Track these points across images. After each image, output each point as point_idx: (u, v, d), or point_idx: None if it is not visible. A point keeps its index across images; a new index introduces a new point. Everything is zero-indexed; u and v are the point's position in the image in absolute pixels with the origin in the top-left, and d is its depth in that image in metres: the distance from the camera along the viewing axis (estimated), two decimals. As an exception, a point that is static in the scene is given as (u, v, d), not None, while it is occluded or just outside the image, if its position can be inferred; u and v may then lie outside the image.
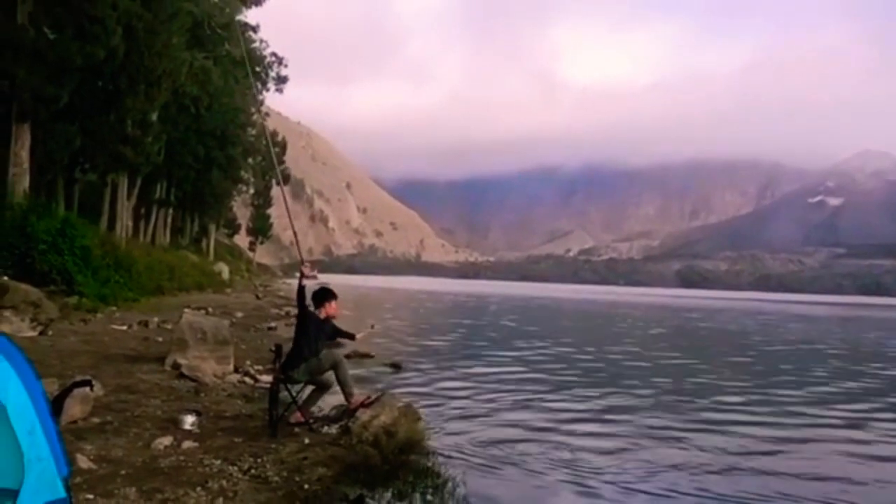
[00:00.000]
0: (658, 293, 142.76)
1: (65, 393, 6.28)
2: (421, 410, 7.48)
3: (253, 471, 5.21)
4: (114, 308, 17.80)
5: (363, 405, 6.77)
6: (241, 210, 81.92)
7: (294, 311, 8.54)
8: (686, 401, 10.94)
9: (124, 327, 14.19)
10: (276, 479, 5.09)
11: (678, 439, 8.02)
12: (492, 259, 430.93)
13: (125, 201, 29.39)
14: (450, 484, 5.58)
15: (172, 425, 6.36)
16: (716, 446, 7.73)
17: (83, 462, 4.94)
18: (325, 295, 7.17)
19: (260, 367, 10.46)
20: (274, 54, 45.84)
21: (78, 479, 4.48)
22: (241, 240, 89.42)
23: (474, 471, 6.23)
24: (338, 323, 7.34)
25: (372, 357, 13.71)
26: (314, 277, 7.06)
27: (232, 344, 10.27)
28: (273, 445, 5.97)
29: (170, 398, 7.70)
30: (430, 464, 6.08)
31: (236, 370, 9.91)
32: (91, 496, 4.35)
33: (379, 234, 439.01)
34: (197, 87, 32.64)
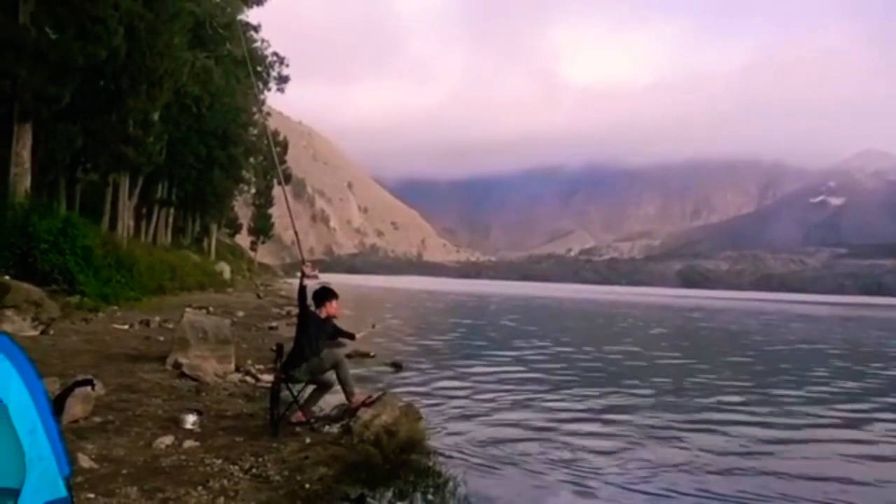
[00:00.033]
0: (659, 293, 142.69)
1: (66, 392, 6.29)
2: (422, 410, 7.49)
3: (254, 470, 5.22)
4: (115, 307, 17.81)
5: (364, 404, 6.78)
6: (243, 210, 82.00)
7: (295, 310, 8.54)
8: (686, 400, 10.94)
9: (126, 327, 14.21)
10: (277, 478, 5.10)
11: (678, 439, 8.02)
12: (493, 259, 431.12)
13: (127, 201, 29.41)
14: (451, 483, 5.59)
15: (174, 424, 6.37)
16: (716, 446, 7.74)
17: (84, 461, 4.95)
18: (325, 294, 7.17)
19: (261, 367, 10.46)
20: (275, 54, 45.92)
21: (79, 479, 4.49)
22: (243, 239, 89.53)
23: (475, 470, 6.24)
24: (339, 322, 7.34)
25: (373, 356, 13.73)
26: (315, 277, 7.07)
27: (233, 343, 10.28)
28: (274, 445, 5.98)
29: (171, 397, 7.71)
30: (430, 463, 6.08)
31: (237, 369, 9.91)
32: (92, 495, 4.36)
33: (380, 233, 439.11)
34: (198, 87, 32.65)
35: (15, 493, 3.04)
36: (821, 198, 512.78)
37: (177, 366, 9.23)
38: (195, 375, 8.83)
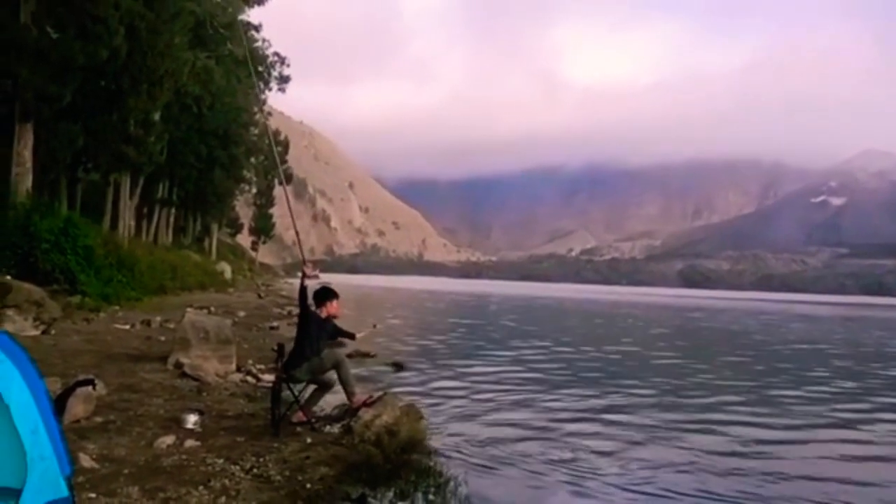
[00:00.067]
0: (660, 293, 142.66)
1: (68, 392, 6.30)
2: (422, 410, 7.50)
3: (255, 470, 5.22)
4: (116, 307, 17.83)
5: (365, 404, 6.78)
6: (244, 210, 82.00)
7: (296, 310, 8.55)
8: (687, 400, 10.94)
9: (127, 326, 14.22)
10: (278, 478, 5.10)
11: (679, 439, 8.02)
12: (494, 259, 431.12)
13: (128, 201, 29.43)
14: (452, 483, 5.59)
15: (175, 424, 6.38)
16: (716, 446, 7.74)
17: (86, 461, 4.96)
18: (326, 294, 7.18)
19: (262, 367, 10.47)
20: (276, 54, 45.98)
21: (81, 479, 4.50)
22: (244, 239, 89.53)
23: (476, 470, 6.24)
24: (339, 322, 7.35)
25: (374, 356, 13.73)
26: (316, 277, 7.07)
27: (234, 343, 10.29)
28: (275, 445, 5.98)
29: (172, 397, 7.72)
30: (431, 463, 6.09)
31: (238, 369, 9.92)
32: (94, 495, 4.36)
33: (381, 233, 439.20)
34: (199, 87, 32.68)
35: (17, 492, 3.04)
36: (822, 198, 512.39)
37: (178, 366, 9.23)
38: (196, 375, 8.84)
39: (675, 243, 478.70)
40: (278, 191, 75.49)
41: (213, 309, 19.92)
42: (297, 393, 6.81)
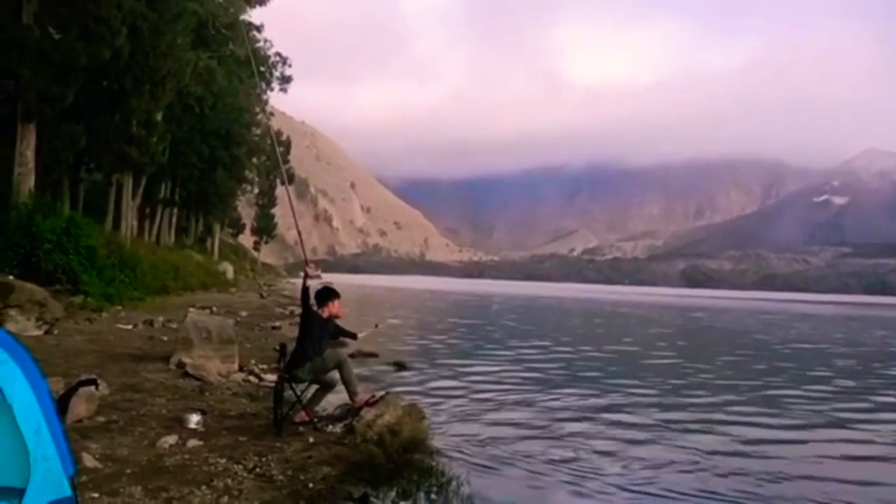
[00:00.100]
0: (662, 293, 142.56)
1: (70, 392, 6.31)
2: (424, 409, 7.50)
3: (258, 469, 5.23)
4: (119, 307, 17.86)
5: (367, 404, 6.79)
6: (246, 210, 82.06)
7: (298, 310, 8.57)
8: (688, 400, 10.93)
9: (129, 326, 14.24)
10: (280, 477, 5.11)
11: (680, 439, 8.01)
12: (496, 258, 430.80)
13: (130, 201, 29.46)
14: (454, 483, 5.60)
15: (177, 424, 6.39)
16: (718, 446, 7.73)
17: (89, 461, 4.97)
18: (327, 294, 7.19)
19: (264, 366, 10.49)
20: (278, 54, 46.13)
21: (84, 478, 4.51)
22: (246, 239, 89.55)
23: (477, 470, 6.24)
24: (341, 322, 7.35)
25: (376, 356, 13.73)
26: (318, 277, 7.09)
27: (236, 343, 10.30)
28: (278, 444, 5.99)
29: (175, 397, 7.73)
30: (433, 463, 6.09)
31: (241, 369, 9.93)
32: (97, 495, 4.37)
33: (383, 233, 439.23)
34: (201, 87, 32.74)
35: (20, 492, 3.05)
36: (824, 197, 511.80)
37: (180, 365, 9.25)
38: (199, 375, 8.85)
39: (678, 243, 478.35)
40: (280, 191, 75.62)
41: (215, 309, 19.96)
42: (299, 393, 6.82)
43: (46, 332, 11.73)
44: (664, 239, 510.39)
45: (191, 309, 12.93)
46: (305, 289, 6.88)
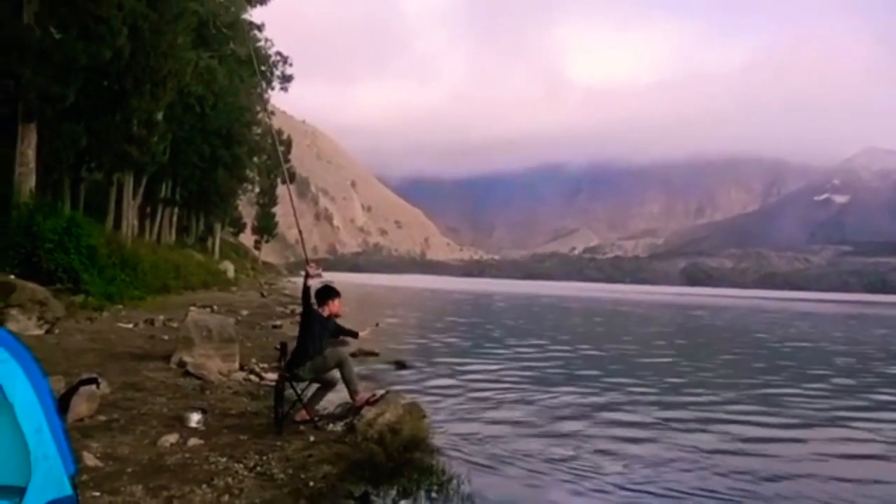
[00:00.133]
0: (663, 291, 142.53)
1: (71, 391, 6.32)
2: (425, 408, 7.51)
3: (258, 468, 5.24)
4: (120, 306, 17.87)
5: (368, 403, 6.80)
6: (247, 209, 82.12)
7: (298, 309, 8.58)
8: (688, 398, 10.93)
9: (130, 325, 14.25)
10: (281, 476, 5.12)
11: (680, 437, 8.02)
12: (497, 257, 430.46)
13: (131, 200, 29.47)
14: (454, 481, 5.60)
15: (178, 423, 6.40)
16: (718, 445, 7.74)
17: (90, 460, 4.98)
18: (327, 293, 7.20)
19: (265, 365, 10.50)
20: (279, 53, 46.06)
21: (84, 477, 4.52)
22: (247, 238, 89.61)
23: (478, 468, 6.25)
24: (341, 321, 7.36)
25: (376, 355, 13.73)
26: (319, 276, 7.10)
27: (237, 342, 10.31)
28: (278, 443, 6.00)
29: (175, 396, 7.74)
30: (434, 461, 6.09)
31: (242, 368, 9.94)
32: (97, 493, 4.38)
33: (384, 232, 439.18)
34: (202, 87, 32.74)
35: (21, 490, 3.06)
36: (825, 195, 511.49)
37: (181, 364, 9.26)
38: (199, 374, 8.87)
39: (678, 241, 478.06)
40: (281, 190, 75.66)
41: (216, 308, 19.96)
42: (300, 391, 6.83)
43: (47, 332, 11.74)
44: (665, 237, 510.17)
45: (192, 308, 12.95)
46: (306, 288, 6.89)
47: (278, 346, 7.28)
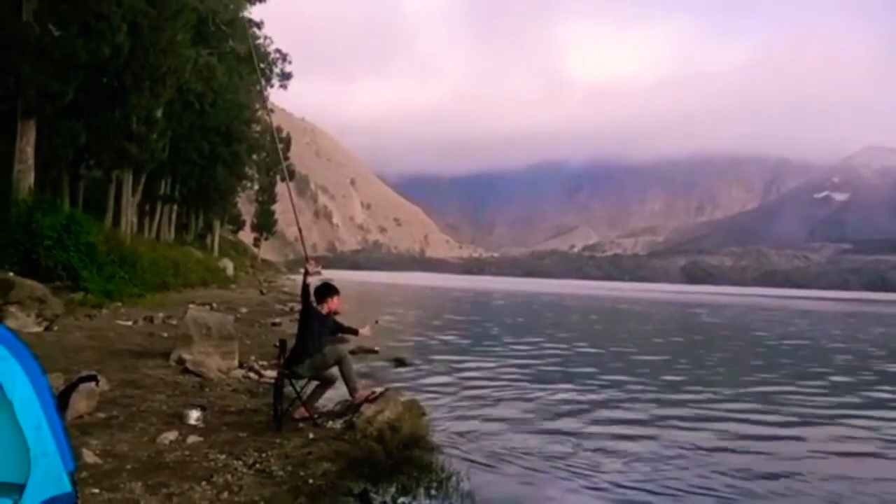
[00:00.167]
0: (663, 289, 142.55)
1: (70, 388, 6.28)
2: (424, 406, 7.52)
3: (258, 465, 5.25)
4: (119, 304, 17.87)
5: (367, 400, 6.81)
6: (246, 206, 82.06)
7: (297, 306, 8.59)
8: (686, 396, 10.94)
9: (129, 323, 14.25)
10: (280, 473, 5.12)
11: (679, 435, 8.03)
12: (496, 255, 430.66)
13: (130, 197, 29.43)
14: (453, 479, 5.61)
15: (177, 420, 6.41)
16: (717, 442, 7.75)
17: (89, 457, 4.99)
18: (327, 290, 7.20)
19: (264, 363, 10.50)
20: (278, 50, 46.03)
21: (84, 474, 4.52)
22: (246, 236, 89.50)
23: (477, 466, 6.26)
24: (340, 319, 7.36)
25: (376, 352, 13.75)
26: (318, 273, 7.10)
27: (236, 339, 10.32)
28: (278, 440, 6.01)
29: (175, 393, 7.74)
30: (433, 459, 6.10)
31: (241, 365, 9.95)
32: (97, 490, 4.39)
33: (383, 229, 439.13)
34: (202, 84, 32.69)
35: (20, 487, 3.06)
36: (825, 193, 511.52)
37: (180, 362, 9.26)
38: (199, 371, 8.87)
39: (678, 239, 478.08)
40: (280, 187, 75.55)
41: (215, 305, 19.96)
42: (299, 389, 6.83)
43: (46, 329, 11.74)
44: (665, 235, 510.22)
45: (191, 305, 12.97)
46: (306, 285, 6.89)
47: (277, 344, 7.28)
